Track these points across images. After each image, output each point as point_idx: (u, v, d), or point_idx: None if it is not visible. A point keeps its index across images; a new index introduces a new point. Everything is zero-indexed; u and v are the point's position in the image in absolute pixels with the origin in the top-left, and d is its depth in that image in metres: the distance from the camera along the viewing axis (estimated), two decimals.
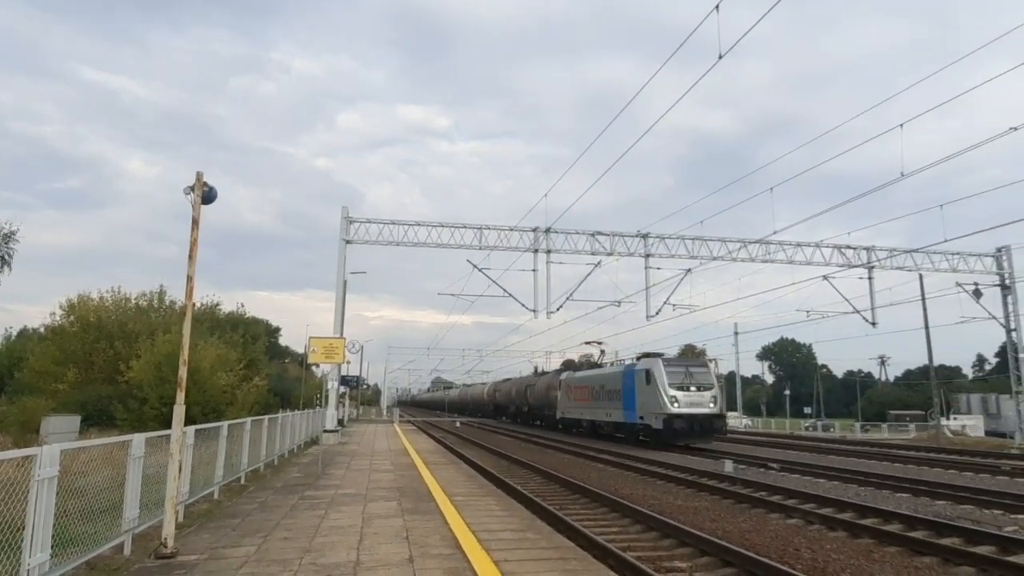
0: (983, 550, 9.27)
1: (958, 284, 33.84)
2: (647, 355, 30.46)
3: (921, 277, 33.38)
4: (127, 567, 6.55)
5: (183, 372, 7.67)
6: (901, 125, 19.91)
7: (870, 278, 34.23)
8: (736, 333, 61.34)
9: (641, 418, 28.16)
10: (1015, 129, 16.27)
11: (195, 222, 7.84)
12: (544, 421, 46.34)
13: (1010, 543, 9.54)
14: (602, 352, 39.90)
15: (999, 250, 34.81)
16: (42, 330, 40.00)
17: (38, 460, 5.26)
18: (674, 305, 32.55)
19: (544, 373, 50.59)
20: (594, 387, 33.65)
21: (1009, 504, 12.81)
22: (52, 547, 5.47)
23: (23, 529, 5.09)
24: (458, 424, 52.93)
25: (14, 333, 54.63)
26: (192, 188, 7.85)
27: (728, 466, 19.30)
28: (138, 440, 7.50)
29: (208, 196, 7.94)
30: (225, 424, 11.85)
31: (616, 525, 11.35)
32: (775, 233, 29.12)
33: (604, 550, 8.83)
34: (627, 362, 32.63)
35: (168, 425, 7.79)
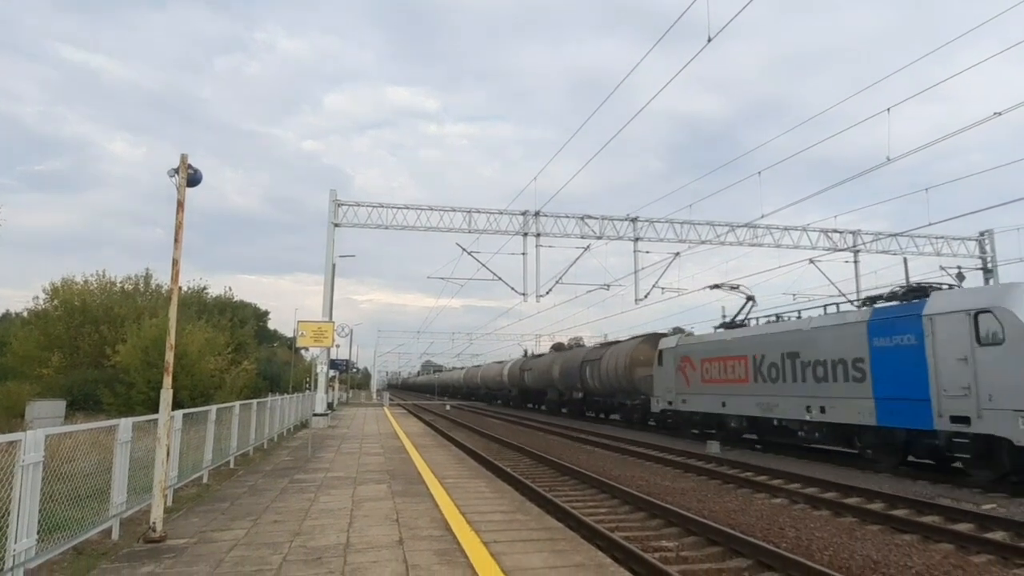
0: (962, 527, 9.46)
1: (942, 268, 34.03)
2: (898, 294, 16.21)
3: (905, 261, 33.53)
4: (115, 551, 6.55)
5: (170, 356, 7.62)
6: (888, 110, 19.91)
7: (856, 262, 34.49)
8: (724, 316, 61.61)
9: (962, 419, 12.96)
10: (999, 114, 16.33)
11: (180, 205, 7.76)
12: (623, 414, 32.00)
13: (987, 520, 9.74)
14: (750, 302, 22.87)
15: (982, 234, 35.16)
16: (25, 314, 39.62)
17: (23, 445, 5.23)
18: (663, 288, 32.62)
19: (613, 343, 34.28)
20: (774, 354, 18.58)
21: (986, 484, 13.03)
22: (38, 532, 5.45)
23: (8, 515, 5.06)
24: (448, 408, 53.08)
25: None
26: (176, 170, 7.76)
27: (714, 447, 19.50)
28: (125, 425, 7.47)
29: (193, 179, 7.85)
30: (213, 408, 11.81)
31: (605, 506, 11.46)
32: (763, 217, 29.26)
33: (593, 531, 8.92)
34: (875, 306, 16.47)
35: (156, 409, 7.76)
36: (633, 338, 31.94)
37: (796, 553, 7.91)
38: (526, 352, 65.87)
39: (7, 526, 5.05)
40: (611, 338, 43.93)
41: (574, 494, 12.61)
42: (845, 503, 11.18)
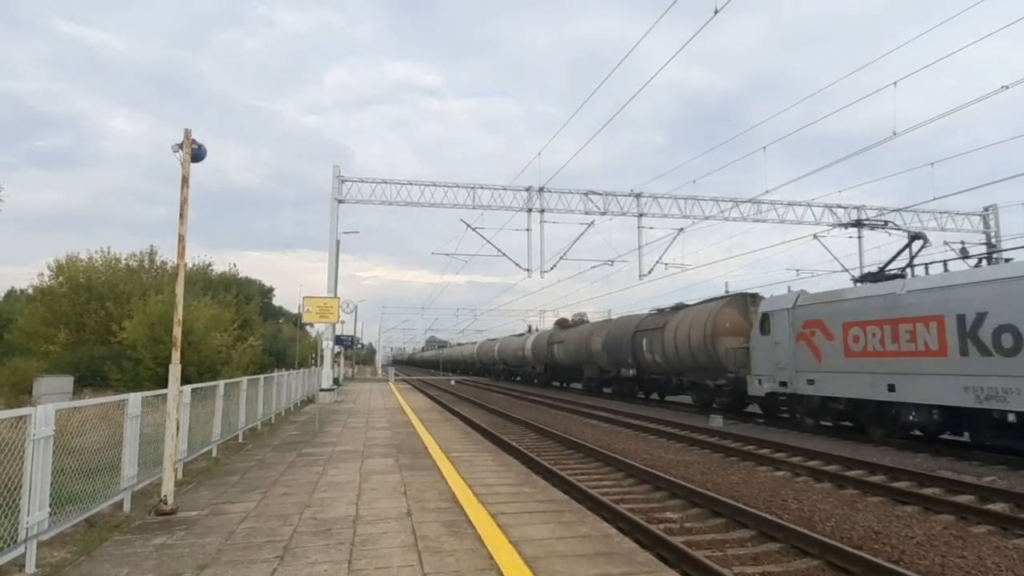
0: (962, 499, 9.55)
1: (945, 243, 34.03)
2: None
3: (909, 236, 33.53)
4: (127, 524, 6.66)
5: (177, 332, 7.67)
6: (895, 83, 19.69)
7: (859, 237, 34.35)
8: (727, 291, 61.57)
9: None
10: (1006, 88, 16.13)
11: (185, 180, 7.74)
12: (698, 396, 25.40)
13: (988, 492, 9.83)
14: (918, 241, 18.35)
15: (986, 209, 34.97)
16: (30, 291, 39.76)
17: (33, 420, 5.29)
18: (666, 264, 32.57)
19: (679, 307, 27.67)
20: (1006, 311, 12.48)
21: (987, 455, 13.12)
22: (50, 505, 5.54)
23: (19, 488, 5.14)
24: (453, 383, 53.39)
25: (1, 295, 54.32)
26: (180, 146, 7.73)
27: (717, 421, 19.63)
28: (134, 399, 7.54)
29: (197, 154, 7.83)
30: (221, 383, 11.91)
31: (610, 479, 11.59)
32: (767, 192, 29.16)
33: (598, 503, 9.03)
34: None
35: (163, 385, 7.83)
36: (710, 300, 25.72)
37: (798, 524, 8.00)
38: (530, 328, 66.02)
39: (19, 499, 5.12)
40: (615, 314, 43.85)
41: (579, 467, 12.74)
42: (847, 475, 11.28)
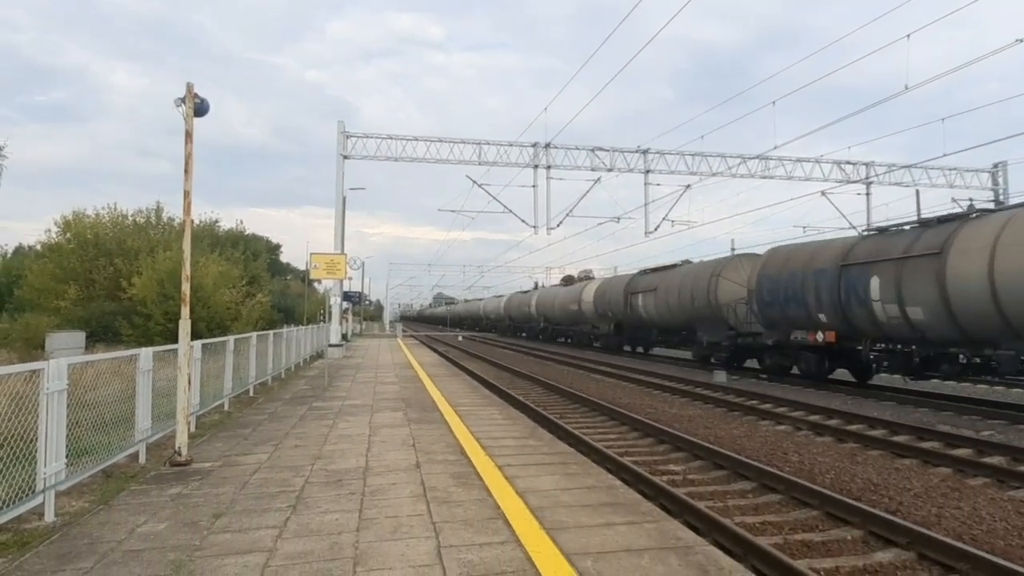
0: (960, 452, 9.69)
1: (953, 200, 33.63)
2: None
3: (918, 193, 33.11)
4: (143, 474, 6.84)
5: (186, 288, 7.74)
6: (908, 36, 19.21)
7: (868, 194, 34.01)
8: (733, 250, 61.27)
9: None
10: (1021, 41, 15.72)
11: (188, 135, 7.71)
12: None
13: (986, 446, 9.97)
14: None
15: (995, 166, 34.49)
16: (38, 247, 39.95)
17: (46, 374, 5.39)
18: (672, 221, 32.41)
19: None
20: None
21: (986, 411, 13.25)
22: (67, 457, 5.69)
23: (36, 440, 5.27)
24: (460, 339, 53.82)
25: (9, 251, 54.61)
26: (183, 100, 7.67)
27: (721, 377, 19.81)
28: (146, 354, 7.66)
29: (200, 108, 7.77)
30: (231, 338, 12.06)
31: (614, 432, 11.77)
32: (775, 148, 28.75)
33: (603, 455, 9.20)
34: None
35: (174, 340, 7.94)
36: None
37: (799, 476, 8.15)
38: (536, 284, 66.14)
39: (36, 451, 5.26)
40: (620, 271, 43.61)
41: (584, 421, 12.93)
42: (848, 429, 11.44)
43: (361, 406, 11.84)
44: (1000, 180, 34.37)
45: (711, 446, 9.76)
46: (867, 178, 33.65)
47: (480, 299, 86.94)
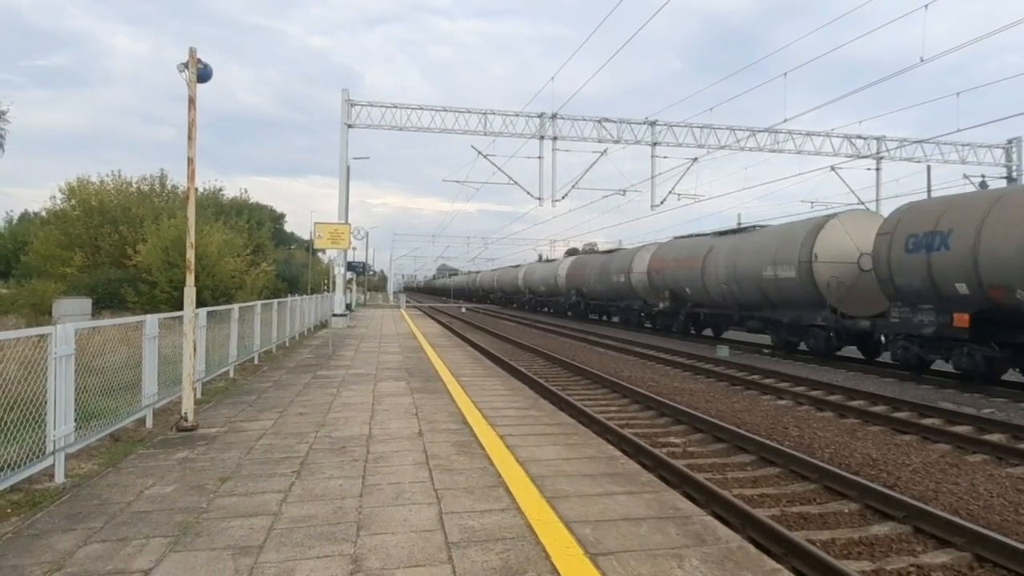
0: (960, 429, 9.74)
1: (965, 176, 33.40)
2: None
3: (929, 169, 32.84)
4: (150, 439, 6.94)
5: (191, 255, 7.76)
6: (925, 6, 18.87)
7: (878, 169, 33.77)
8: (739, 224, 60.99)
9: None
10: None
11: (192, 101, 7.66)
12: None
13: (986, 423, 10.01)
14: None
15: (1009, 142, 34.11)
16: (44, 214, 40.01)
17: (53, 338, 5.45)
18: (679, 195, 32.28)
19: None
20: None
21: (990, 389, 13.28)
22: (75, 421, 5.77)
23: (45, 404, 5.35)
24: (463, 310, 53.99)
25: (15, 217, 54.70)
26: (186, 65, 7.61)
27: (723, 351, 19.87)
28: (151, 320, 7.72)
29: (203, 74, 7.71)
30: (236, 307, 12.13)
31: (615, 405, 11.86)
32: (785, 121, 28.48)
33: (604, 427, 9.29)
34: None
35: (179, 308, 7.99)
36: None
37: (798, 450, 8.22)
38: (540, 256, 65.84)
39: (45, 414, 5.34)
40: (626, 244, 43.07)
41: (586, 393, 13.02)
42: (849, 405, 11.49)
43: (365, 375, 11.93)
44: (1014, 156, 34.04)
45: (711, 419, 9.84)
46: (878, 153, 33.36)
47: (494, 270, 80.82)
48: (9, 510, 4.77)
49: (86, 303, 26.22)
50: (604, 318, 39.04)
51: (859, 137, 32.94)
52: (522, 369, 15.43)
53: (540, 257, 65.40)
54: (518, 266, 64.23)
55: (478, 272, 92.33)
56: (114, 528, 4.35)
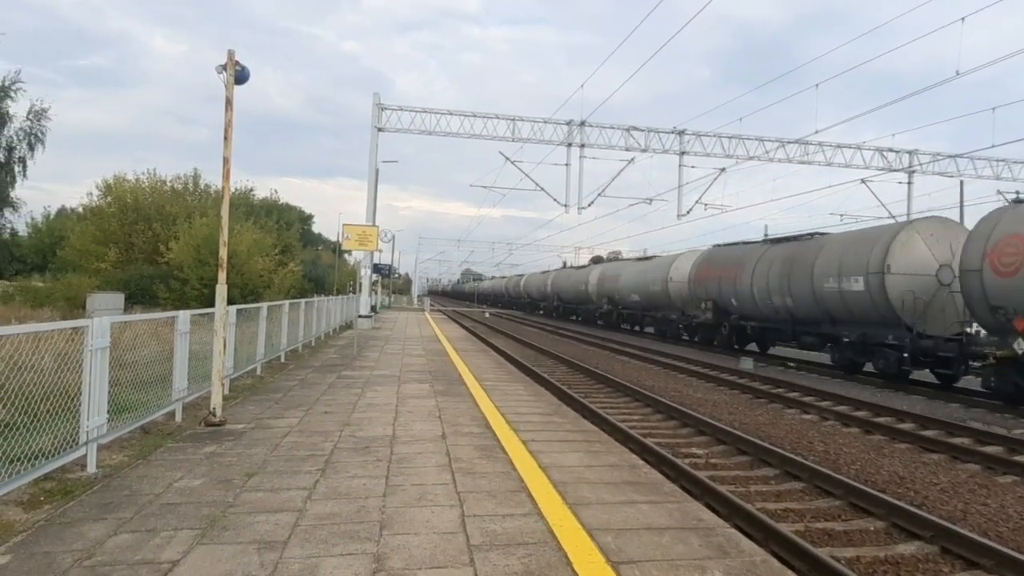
0: (990, 450, 9.52)
1: (999, 192, 32.70)
2: None
3: (962, 184, 32.26)
4: (179, 433, 7.07)
5: (223, 253, 7.90)
6: (962, 19, 18.58)
7: (909, 183, 33.19)
8: (766, 235, 60.30)
9: None
10: None
11: (228, 103, 7.82)
12: None
13: (1018, 444, 9.77)
14: None
15: None
16: (80, 210, 40.96)
17: (90, 331, 5.59)
18: (706, 204, 32.03)
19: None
20: None
21: (1021, 409, 12.96)
22: (108, 412, 5.91)
23: (79, 395, 5.48)
24: (487, 315, 54.09)
25: (52, 212, 56.06)
26: (224, 67, 7.77)
27: (747, 363, 19.66)
28: (184, 316, 7.88)
29: (241, 76, 7.87)
30: (265, 305, 12.31)
31: (638, 414, 11.80)
32: (816, 133, 28.18)
33: (626, 435, 9.25)
34: None
35: (209, 305, 8.14)
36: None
37: (823, 466, 8.11)
38: (564, 264, 65.74)
39: (79, 405, 5.48)
40: (651, 253, 42.80)
41: (609, 401, 12.98)
42: (875, 422, 11.30)
43: (389, 376, 12.02)
44: None
45: (735, 431, 9.75)
46: (910, 167, 32.81)
47: (519, 275, 79.33)
48: (42, 498, 4.90)
49: (119, 298, 26.78)
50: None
51: (891, 150, 32.43)
52: (545, 375, 15.42)
53: (564, 264, 65.29)
54: (546, 272, 62.64)
55: (503, 277, 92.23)
56: (143, 519, 4.45)
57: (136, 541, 4.06)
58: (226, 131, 7.87)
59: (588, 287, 43.28)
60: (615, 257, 47.01)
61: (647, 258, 36.48)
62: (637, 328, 37.75)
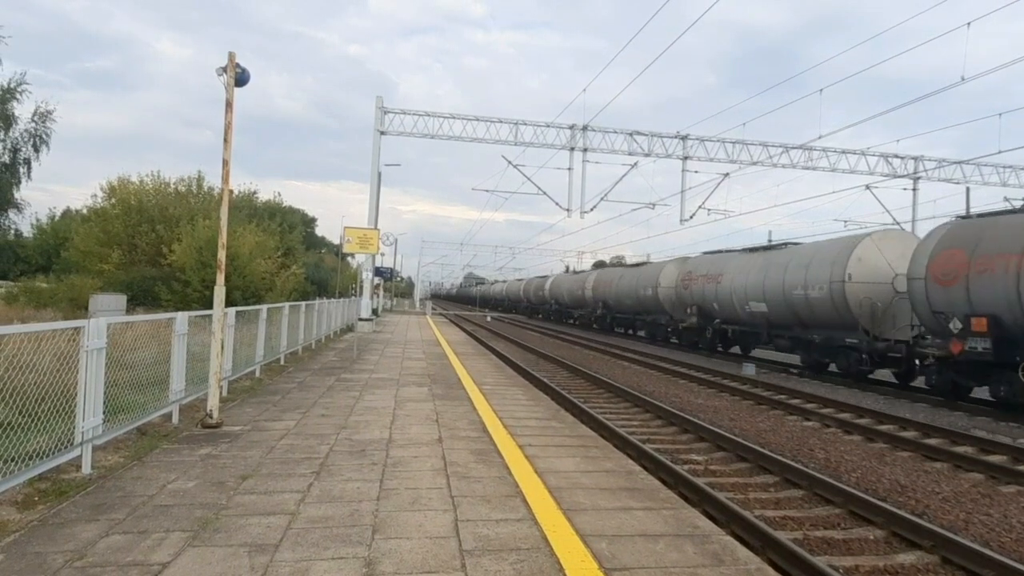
0: (994, 459, 9.44)
1: (1006, 199, 32.59)
2: None
3: (968, 190, 32.14)
4: (175, 434, 7.05)
5: (222, 255, 7.90)
6: (968, 24, 18.52)
7: (915, 189, 33.12)
8: (770, 241, 60.19)
9: None
10: None
11: (229, 104, 7.82)
12: None
13: (1022, 453, 9.67)
14: None
15: None
16: (84, 211, 41.04)
17: (86, 331, 5.57)
18: (709, 210, 31.98)
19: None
20: None
21: None
22: (104, 414, 5.88)
23: (75, 396, 5.46)
24: (488, 319, 54.03)
25: (57, 213, 56.22)
26: (224, 69, 7.78)
27: (750, 369, 19.59)
28: (181, 317, 7.86)
29: (241, 78, 7.87)
30: (264, 307, 12.29)
31: (637, 419, 11.75)
32: (820, 138, 28.15)
33: (625, 441, 9.21)
34: None
35: (210, 307, 8.12)
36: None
37: (824, 473, 8.06)
38: (567, 268, 65.78)
39: (75, 406, 5.45)
40: (654, 258, 42.92)
41: (608, 406, 12.93)
42: (878, 429, 11.23)
43: (387, 380, 11.99)
44: None
45: (735, 437, 9.69)
46: (915, 173, 32.73)
47: (520, 279, 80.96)
48: (36, 498, 4.88)
49: (121, 299, 26.79)
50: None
51: (896, 156, 32.35)
52: (544, 380, 15.37)
53: (567, 268, 65.33)
54: (545, 277, 63.38)
55: (505, 281, 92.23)
56: (136, 520, 4.42)
57: (128, 542, 4.04)
58: (226, 133, 7.86)
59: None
60: (618, 262, 46.96)
61: (640, 264, 37.28)
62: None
